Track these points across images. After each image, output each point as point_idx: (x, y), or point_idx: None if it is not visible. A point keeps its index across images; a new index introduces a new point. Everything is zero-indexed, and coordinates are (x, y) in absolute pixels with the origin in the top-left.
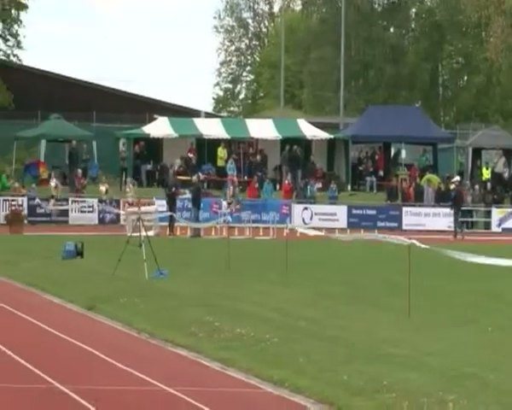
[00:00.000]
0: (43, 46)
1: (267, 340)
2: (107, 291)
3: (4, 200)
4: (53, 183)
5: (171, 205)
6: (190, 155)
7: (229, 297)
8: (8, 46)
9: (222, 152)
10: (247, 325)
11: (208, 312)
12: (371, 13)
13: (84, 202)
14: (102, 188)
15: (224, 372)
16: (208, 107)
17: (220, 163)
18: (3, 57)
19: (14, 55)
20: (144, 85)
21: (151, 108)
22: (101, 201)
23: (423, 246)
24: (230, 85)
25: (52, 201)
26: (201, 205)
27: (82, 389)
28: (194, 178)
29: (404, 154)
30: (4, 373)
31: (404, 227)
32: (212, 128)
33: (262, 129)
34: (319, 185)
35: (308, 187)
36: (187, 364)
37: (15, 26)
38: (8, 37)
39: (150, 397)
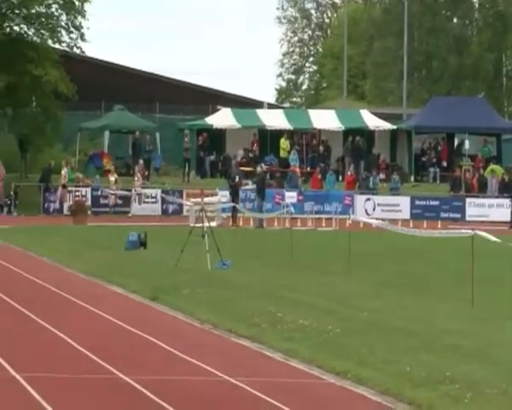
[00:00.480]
0: (108, 38)
1: (330, 331)
2: (170, 282)
3: (68, 191)
4: (113, 177)
5: (234, 196)
6: (253, 146)
7: (292, 288)
8: (72, 38)
9: (285, 143)
10: (309, 316)
11: (271, 303)
12: (434, 3)
13: (148, 192)
14: (112, 178)
15: (287, 363)
16: (271, 98)
17: (283, 154)
18: (67, 49)
19: (78, 48)
20: (208, 77)
21: (214, 99)
22: (164, 191)
23: (493, 239)
24: (293, 76)
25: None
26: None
27: (145, 379)
28: (259, 168)
29: (467, 144)
30: (68, 364)
31: (468, 218)
32: (274, 119)
33: (325, 120)
34: (382, 176)
35: (371, 179)
36: (250, 354)
37: (79, 18)
38: (72, 29)
39: (213, 387)
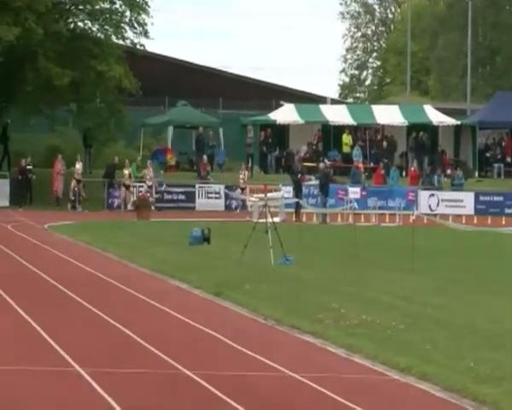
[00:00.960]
0: (172, 34)
1: (393, 327)
2: (234, 277)
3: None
4: (126, 170)
5: (298, 191)
6: (316, 142)
7: (355, 284)
8: (136, 34)
9: (347, 138)
10: (373, 312)
11: (334, 298)
12: None
13: (211, 188)
14: (126, 171)
15: (350, 359)
16: (334, 93)
17: (345, 149)
18: (131, 45)
19: (141, 45)
20: (271, 72)
21: (277, 94)
22: (227, 187)
23: None
24: (356, 72)
25: None
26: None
27: (208, 374)
28: (322, 165)
29: None
30: (132, 358)
31: None
32: (338, 115)
33: (388, 115)
34: (447, 172)
35: (435, 176)
36: (313, 350)
37: (143, 15)
38: (136, 25)
39: (277, 383)
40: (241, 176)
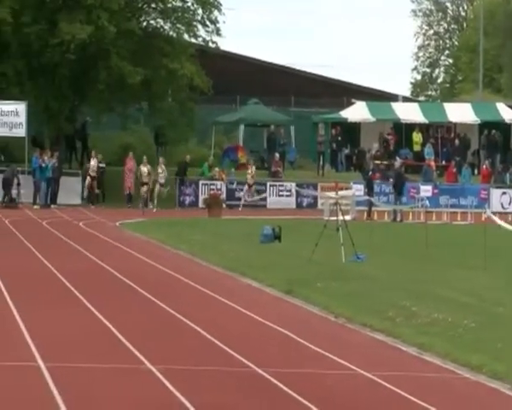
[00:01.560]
0: (243, 32)
1: (465, 325)
2: (305, 275)
3: (203, 184)
4: (250, 171)
5: (369, 189)
6: (389, 139)
7: (427, 282)
8: (208, 32)
9: (417, 137)
10: (444, 311)
11: (405, 296)
12: None
13: (282, 186)
14: (144, 169)
15: (421, 357)
16: (406, 91)
17: (416, 148)
18: (203, 43)
19: (213, 42)
20: (343, 70)
21: (349, 92)
22: (299, 185)
23: None
24: (428, 70)
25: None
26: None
27: (280, 372)
28: (396, 163)
29: None
30: (203, 356)
31: None
32: (409, 112)
33: (460, 113)
34: None
35: (507, 174)
36: (384, 349)
37: (215, 13)
38: (208, 23)
39: (348, 381)
40: (248, 171)
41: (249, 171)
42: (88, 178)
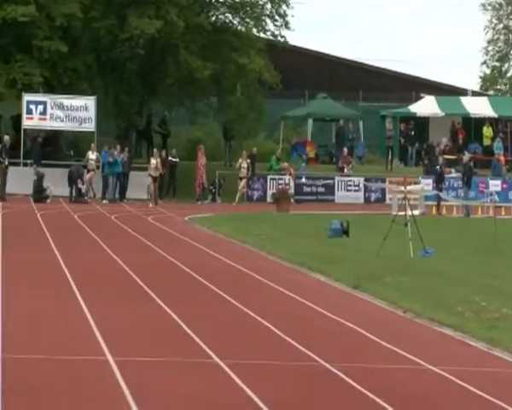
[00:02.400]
0: (312, 26)
1: None
2: (373, 270)
3: (271, 179)
4: (154, 160)
5: (438, 184)
6: (458, 134)
7: (496, 277)
8: (276, 26)
9: (487, 131)
10: None
11: (474, 291)
12: None
13: (350, 180)
14: (153, 161)
15: (490, 352)
16: (475, 85)
17: (486, 142)
18: (271, 37)
19: (282, 37)
20: (411, 64)
21: (418, 86)
22: (367, 179)
23: None
24: (498, 64)
25: None
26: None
27: (347, 367)
28: (465, 158)
29: None
30: (271, 350)
31: None
32: (478, 107)
33: None
34: None
35: None
36: (452, 344)
37: (283, 7)
38: (277, 17)
39: (417, 376)
40: (243, 165)
41: (243, 164)
42: (149, 178)
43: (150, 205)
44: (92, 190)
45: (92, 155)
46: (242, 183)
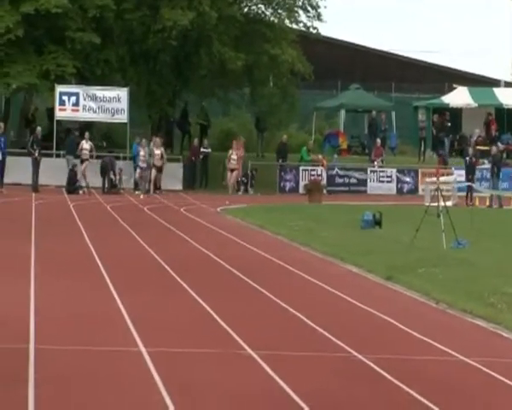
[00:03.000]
0: (344, 17)
1: None
2: (405, 261)
3: (304, 170)
4: (158, 150)
5: (469, 175)
6: (490, 126)
7: None
8: (309, 17)
9: None
10: None
11: (507, 282)
12: None
13: (383, 171)
14: (157, 152)
15: None
16: (508, 76)
17: None
18: (304, 29)
19: (314, 28)
20: (443, 55)
21: (450, 77)
22: (399, 171)
23: None
24: None
25: None
26: (500, 175)
27: (380, 358)
28: (494, 148)
29: None
30: (304, 342)
31: None
32: (511, 97)
33: None
34: None
35: None
36: (485, 335)
37: None
38: (309, 8)
39: (448, 367)
40: (233, 156)
41: (233, 156)
42: (153, 169)
43: (141, 196)
44: (85, 180)
45: (86, 145)
46: (233, 176)
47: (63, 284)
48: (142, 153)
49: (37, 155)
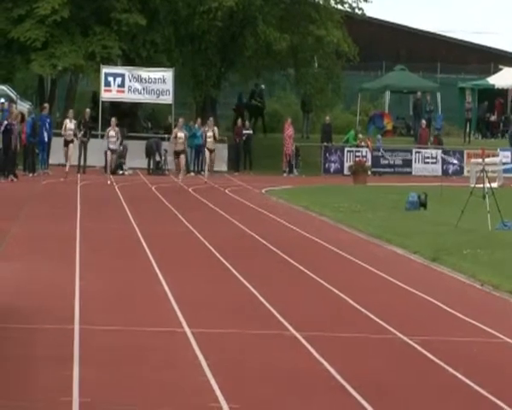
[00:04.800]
0: None
1: None
2: (451, 243)
3: (348, 151)
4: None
5: None
6: None
7: None
8: None
9: None
10: None
11: None
12: None
13: (428, 153)
14: (181, 134)
15: None
16: None
17: None
18: (349, 9)
19: (360, 9)
20: (490, 36)
21: (496, 58)
22: (444, 152)
23: None
24: None
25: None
26: None
27: (425, 340)
28: None
29: None
30: (349, 323)
31: None
32: None
33: None
34: None
35: None
36: None
37: None
38: None
39: (495, 349)
40: (179, 134)
41: (209, 134)
42: (206, 152)
43: (180, 178)
44: (69, 162)
45: (70, 124)
46: (181, 160)
47: (107, 264)
48: (179, 134)
49: (79, 135)
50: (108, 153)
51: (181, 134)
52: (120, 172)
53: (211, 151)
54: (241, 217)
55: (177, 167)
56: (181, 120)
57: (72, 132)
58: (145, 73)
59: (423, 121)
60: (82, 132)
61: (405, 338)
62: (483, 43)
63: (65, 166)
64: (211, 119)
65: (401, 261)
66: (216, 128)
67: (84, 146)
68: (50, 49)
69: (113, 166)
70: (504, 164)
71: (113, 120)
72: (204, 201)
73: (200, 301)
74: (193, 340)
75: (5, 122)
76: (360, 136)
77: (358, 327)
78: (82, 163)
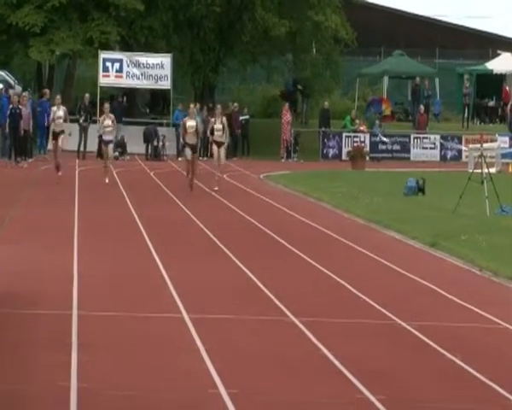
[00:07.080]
0: None
1: None
2: (449, 228)
3: (347, 136)
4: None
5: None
6: None
7: None
8: None
9: None
10: None
11: None
12: None
13: (427, 138)
14: (191, 123)
15: None
16: None
17: None
18: None
19: None
20: (488, 21)
21: (494, 43)
22: (443, 137)
23: None
24: None
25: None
26: None
27: (423, 325)
28: None
29: None
30: (346, 309)
31: None
32: None
33: None
34: None
35: None
36: None
37: None
38: None
39: (493, 335)
40: (216, 126)
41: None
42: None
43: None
44: (60, 159)
45: (59, 112)
46: (195, 160)
47: (106, 250)
48: (189, 123)
49: (81, 121)
50: (104, 148)
51: (191, 123)
52: (122, 157)
53: (219, 145)
54: (239, 202)
55: (188, 171)
56: (192, 106)
57: (61, 121)
58: (143, 58)
59: (421, 107)
60: (83, 117)
61: (403, 323)
62: (481, 29)
63: (57, 170)
64: (218, 106)
65: (399, 246)
66: (225, 118)
67: (84, 131)
68: (49, 35)
69: (111, 157)
70: (502, 149)
71: (107, 105)
72: (202, 186)
73: (199, 286)
74: (191, 325)
75: (10, 106)
76: (357, 121)
77: (357, 312)
78: (82, 149)
